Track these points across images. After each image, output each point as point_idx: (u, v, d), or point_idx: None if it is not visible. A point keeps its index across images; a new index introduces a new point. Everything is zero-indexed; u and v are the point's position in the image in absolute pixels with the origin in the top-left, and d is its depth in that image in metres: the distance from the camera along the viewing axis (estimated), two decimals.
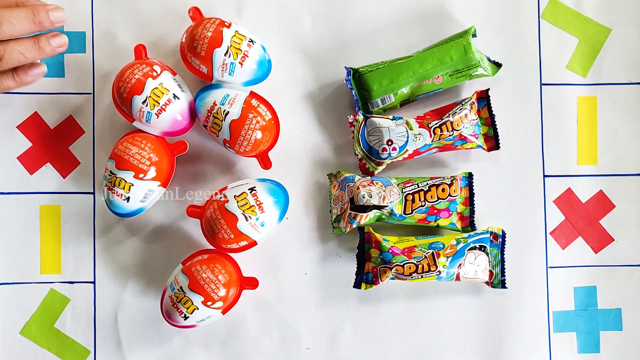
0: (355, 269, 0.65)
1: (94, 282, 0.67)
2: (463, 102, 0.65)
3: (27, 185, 0.67)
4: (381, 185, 0.64)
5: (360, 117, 0.64)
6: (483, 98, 0.66)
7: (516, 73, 0.68)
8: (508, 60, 0.67)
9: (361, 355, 0.67)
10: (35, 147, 0.67)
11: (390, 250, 0.63)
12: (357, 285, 0.64)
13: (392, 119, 0.64)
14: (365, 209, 0.63)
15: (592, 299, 0.68)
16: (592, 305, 0.68)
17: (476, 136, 0.65)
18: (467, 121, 0.64)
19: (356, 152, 0.65)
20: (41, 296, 0.67)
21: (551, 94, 0.68)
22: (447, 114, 0.64)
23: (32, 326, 0.67)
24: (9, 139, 0.67)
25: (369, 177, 0.65)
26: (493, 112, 0.65)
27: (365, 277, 0.64)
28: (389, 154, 0.63)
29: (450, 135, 0.64)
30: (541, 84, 0.68)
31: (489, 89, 0.65)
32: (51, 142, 0.67)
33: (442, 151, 0.66)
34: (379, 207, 0.63)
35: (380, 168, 0.65)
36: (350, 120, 0.64)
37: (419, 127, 0.64)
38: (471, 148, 0.65)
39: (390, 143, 0.63)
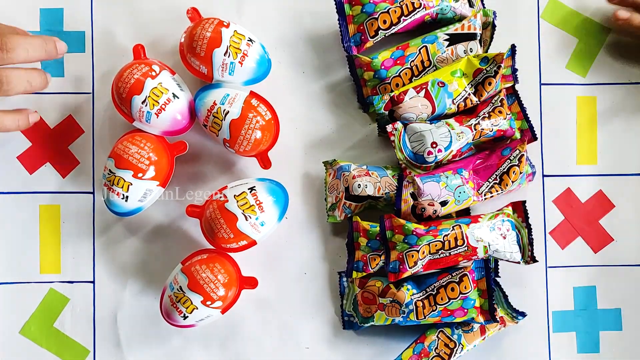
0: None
1: (93, 282, 0.67)
2: (493, 101, 0.65)
3: (26, 184, 0.67)
4: (377, 176, 0.64)
5: (399, 125, 0.63)
6: (511, 94, 0.66)
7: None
8: None
9: (361, 355, 0.67)
10: (35, 146, 0.67)
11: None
12: (348, 273, 0.64)
13: (431, 123, 0.64)
14: (361, 199, 0.63)
15: (591, 298, 0.68)
16: (591, 305, 0.68)
17: (513, 130, 0.65)
18: (503, 116, 0.64)
19: (399, 159, 0.64)
20: (41, 296, 0.67)
21: (551, 94, 0.68)
22: (482, 112, 0.64)
23: (32, 326, 0.67)
24: (9, 138, 0.67)
25: (365, 167, 0.65)
26: (524, 106, 0.66)
27: (355, 266, 0.64)
28: (435, 156, 0.62)
29: (490, 131, 0.64)
30: (540, 84, 0.68)
31: (514, 85, 0.65)
32: (51, 142, 0.67)
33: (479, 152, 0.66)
34: (374, 198, 0.63)
35: None
36: (390, 130, 0.63)
37: (460, 125, 0.63)
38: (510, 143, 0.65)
39: (435, 145, 0.62)
